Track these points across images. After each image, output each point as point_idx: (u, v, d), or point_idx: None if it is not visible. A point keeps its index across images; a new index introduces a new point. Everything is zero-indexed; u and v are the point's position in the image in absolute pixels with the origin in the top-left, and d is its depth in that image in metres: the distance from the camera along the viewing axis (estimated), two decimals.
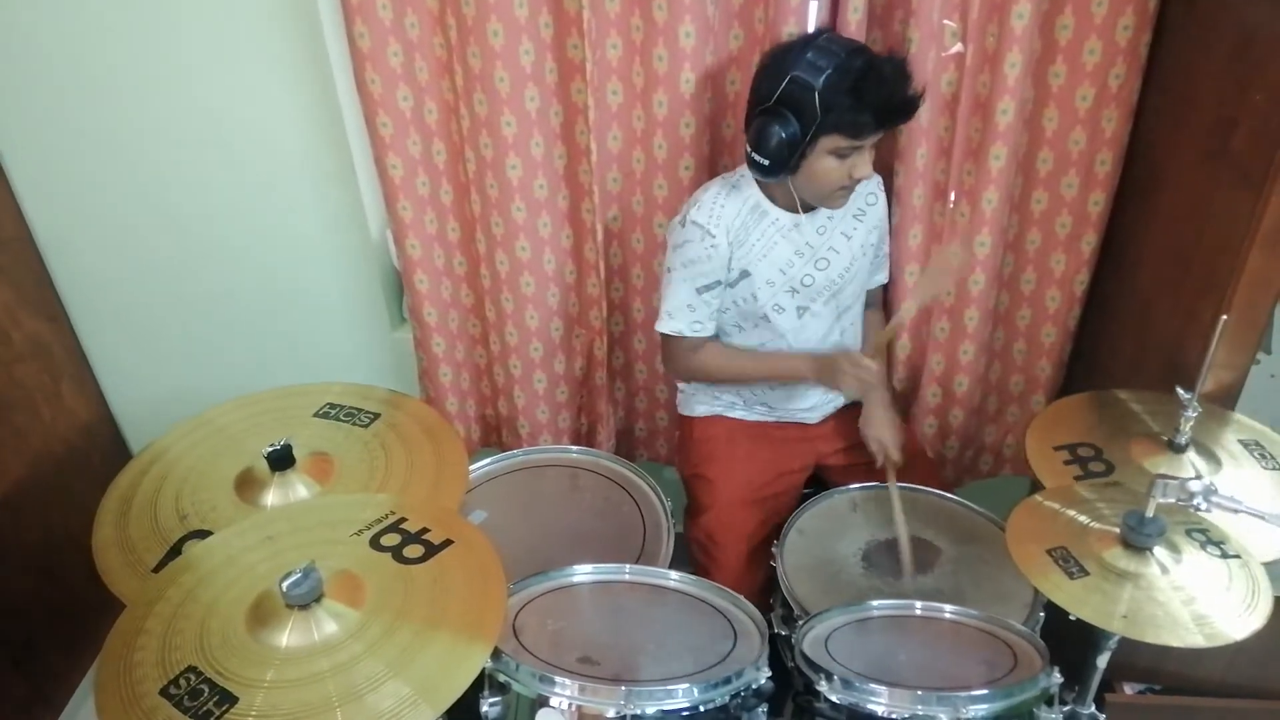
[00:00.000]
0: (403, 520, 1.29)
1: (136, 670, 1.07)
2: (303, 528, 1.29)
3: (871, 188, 1.73)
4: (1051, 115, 1.70)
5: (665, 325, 1.70)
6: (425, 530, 1.27)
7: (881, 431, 1.73)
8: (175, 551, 1.33)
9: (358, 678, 1.05)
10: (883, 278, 1.86)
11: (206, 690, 1.03)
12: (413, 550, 1.24)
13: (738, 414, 1.85)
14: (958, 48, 1.63)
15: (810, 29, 1.64)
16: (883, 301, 1.92)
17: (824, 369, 1.66)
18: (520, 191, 1.78)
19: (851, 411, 1.85)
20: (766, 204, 1.64)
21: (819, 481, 1.88)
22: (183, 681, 1.04)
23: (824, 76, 1.42)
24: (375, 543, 1.25)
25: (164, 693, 1.04)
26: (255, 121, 1.84)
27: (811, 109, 1.43)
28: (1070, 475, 1.46)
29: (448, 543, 1.25)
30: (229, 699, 1.03)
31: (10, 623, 1.89)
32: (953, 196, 1.77)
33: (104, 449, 2.18)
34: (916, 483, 1.73)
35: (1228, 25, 1.48)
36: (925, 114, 1.67)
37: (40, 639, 1.96)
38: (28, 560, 1.92)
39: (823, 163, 1.50)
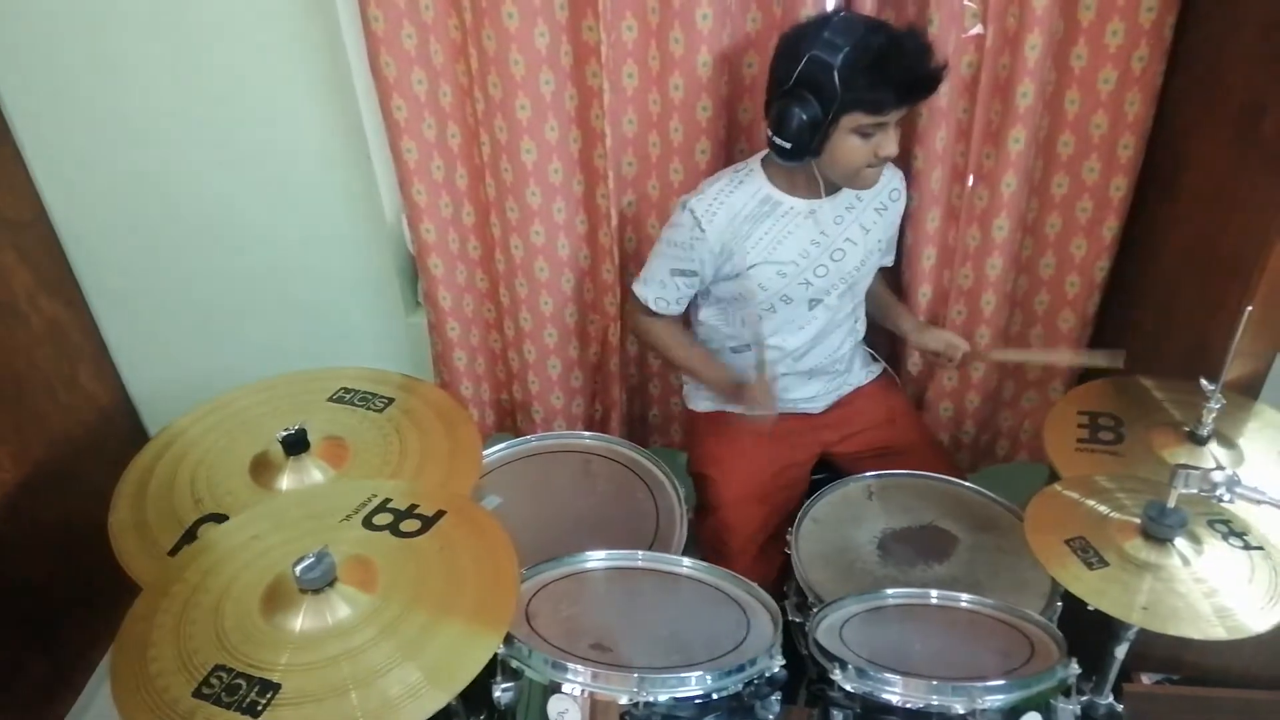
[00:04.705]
0: (388, 500, 1.29)
1: (153, 665, 1.07)
2: (287, 523, 1.29)
3: (896, 183, 1.71)
4: (1073, 98, 1.67)
5: (637, 287, 1.74)
6: (414, 506, 1.28)
7: (935, 338, 1.77)
8: (190, 535, 1.34)
9: (373, 661, 1.05)
10: (888, 261, 1.85)
11: (244, 684, 1.03)
12: (409, 525, 1.24)
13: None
14: (978, 29, 1.61)
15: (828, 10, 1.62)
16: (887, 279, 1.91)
17: (731, 392, 1.69)
18: (535, 176, 1.77)
19: (854, 400, 1.84)
20: (779, 195, 1.61)
21: (829, 468, 1.87)
22: (214, 680, 1.04)
23: (842, 54, 1.39)
24: (369, 524, 1.25)
25: (198, 694, 1.03)
26: (270, 106, 1.84)
27: (831, 87, 1.41)
28: (1075, 438, 1.47)
29: (441, 513, 1.26)
30: (271, 687, 1.03)
31: (30, 603, 1.91)
32: (970, 180, 1.75)
33: (121, 432, 2.19)
34: (927, 468, 1.72)
35: (1256, 6, 1.44)
36: (945, 96, 1.65)
37: (60, 619, 1.98)
38: (47, 541, 1.94)
39: (846, 142, 1.48)
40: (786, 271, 1.64)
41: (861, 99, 1.42)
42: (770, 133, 1.51)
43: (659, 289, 1.70)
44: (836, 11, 1.48)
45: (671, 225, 1.65)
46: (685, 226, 1.61)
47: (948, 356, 1.73)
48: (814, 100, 1.43)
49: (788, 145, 1.48)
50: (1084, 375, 1.94)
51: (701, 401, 1.86)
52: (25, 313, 1.90)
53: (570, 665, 1.20)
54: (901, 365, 2.00)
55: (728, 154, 1.81)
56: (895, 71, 1.41)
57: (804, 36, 1.44)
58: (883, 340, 1.96)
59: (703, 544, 1.77)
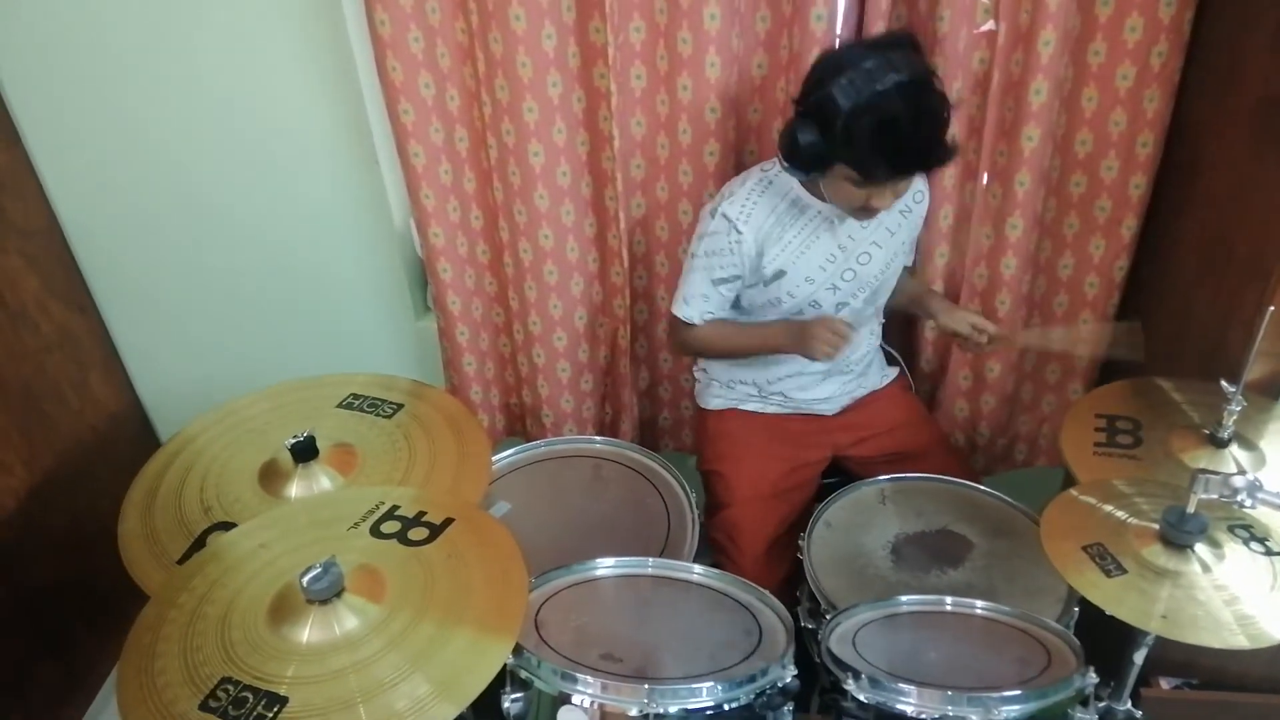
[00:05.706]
0: (395, 508, 1.28)
1: (160, 677, 1.06)
2: (294, 531, 1.28)
3: (919, 185, 1.67)
4: (1091, 95, 1.65)
5: (679, 309, 1.69)
6: (422, 513, 1.27)
7: (960, 320, 1.64)
8: (200, 543, 1.33)
9: (380, 673, 1.05)
10: (910, 261, 1.82)
11: (251, 697, 1.02)
12: (417, 533, 1.23)
13: (752, 406, 1.81)
14: (990, 25, 1.59)
15: (839, 12, 1.60)
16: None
17: (797, 336, 1.58)
18: (543, 179, 1.75)
19: (870, 403, 1.82)
20: (807, 198, 1.59)
21: (840, 472, 1.85)
22: (221, 693, 1.03)
23: (853, 104, 1.32)
24: (376, 531, 1.24)
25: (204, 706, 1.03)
26: (278, 111, 1.83)
27: (832, 131, 1.36)
28: (1093, 442, 1.44)
29: (449, 521, 1.25)
30: (278, 700, 1.02)
31: (41, 608, 1.91)
32: (985, 178, 1.73)
33: (132, 437, 2.20)
34: (942, 472, 1.70)
35: (1275, 1, 1.42)
36: (956, 93, 1.62)
37: (71, 625, 1.98)
38: (58, 547, 1.94)
39: (841, 184, 1.45)
40: (814, 278, 1.62)
41: (855, 158, 1.37)
42: (778, 141, 1.49)
43: (702, 303, 1.66)
44: (887, 45, 1.37)
45: (706, 235, 1.60)
46: (721, 233, 1.58)
47: (975, 341, 1.64)
48: (817, 133, 1.39)
49: (787, 163, 1.47)
50: (1104, 375, 1.92)
51: (713, 399, 1.85)
52: (34, 319, 1.90)
53: (580, 676, 1.19)
54: (915, 364, 1.98)
55: (737, 156, 1.79)
56: (896, 146, 1.34)
57: (836, 63, 1.37)
58: (896, 341, 1.94)
59: (712, 543, 1.75)
